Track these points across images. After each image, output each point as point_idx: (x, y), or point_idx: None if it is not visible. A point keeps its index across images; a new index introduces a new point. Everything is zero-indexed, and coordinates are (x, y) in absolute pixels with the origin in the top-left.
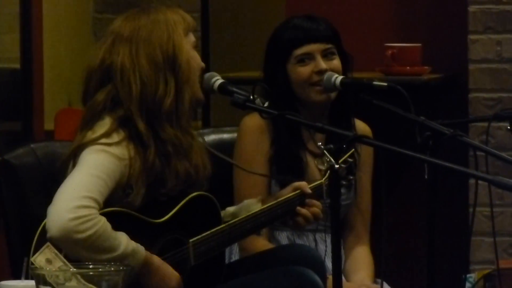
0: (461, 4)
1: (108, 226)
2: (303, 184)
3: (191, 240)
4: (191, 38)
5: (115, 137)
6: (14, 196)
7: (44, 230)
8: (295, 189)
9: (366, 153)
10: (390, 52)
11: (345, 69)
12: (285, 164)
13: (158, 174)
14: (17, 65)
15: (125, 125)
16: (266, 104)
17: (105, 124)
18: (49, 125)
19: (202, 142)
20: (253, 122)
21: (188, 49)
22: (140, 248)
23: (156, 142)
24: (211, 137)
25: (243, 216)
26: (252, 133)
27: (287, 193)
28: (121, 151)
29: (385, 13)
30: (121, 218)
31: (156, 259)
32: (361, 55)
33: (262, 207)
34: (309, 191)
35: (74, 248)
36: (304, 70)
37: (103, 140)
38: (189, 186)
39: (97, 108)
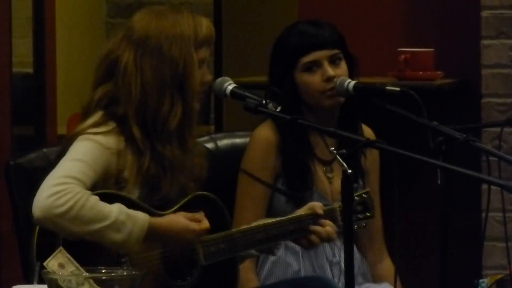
0: (473, 9)
1: (93, 197)
2: (316, 204)
3: None
4: (202, 53)
5: (103, 128)
6: (27, 201)
7: (40, 232)
8: (309, 208)
9: (372, 158)
10: (402, 57)
11: (352, 72)
12: (293, 174)
13: (153, 178)
14: (30, 70)
15: (118, 121)
16: (278, 109)
17: (95, 116)
18: (62, 130)
19: (203, 148)
20: (263, 135)
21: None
22: (140, 214)
23: (152, 152)
24: (224, 142)
25: (253, 225)
26: (260, 146)
27: (301, 211)
28: (107, 140)
29: (398, 18)
30: (125, 203)
31: (165, 220)
32: (373, 60)
33: (273, 220)
34: (321, 211)
35: (60, 224)
36: (313, 79)
37: (90, 130)
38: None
39: (92, 105)
